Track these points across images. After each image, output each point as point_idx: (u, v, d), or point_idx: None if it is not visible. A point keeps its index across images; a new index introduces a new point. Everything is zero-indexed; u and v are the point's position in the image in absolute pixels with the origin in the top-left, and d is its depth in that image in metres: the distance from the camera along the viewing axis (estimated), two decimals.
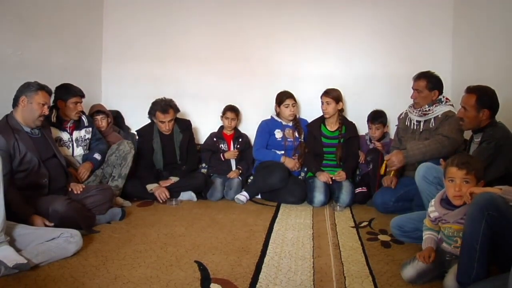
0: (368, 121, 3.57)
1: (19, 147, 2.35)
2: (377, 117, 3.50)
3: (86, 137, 3.09)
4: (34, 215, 2.23)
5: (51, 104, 2.85)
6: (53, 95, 2.86)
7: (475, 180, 1.76)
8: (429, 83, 2.86)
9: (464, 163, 1.76)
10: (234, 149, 3.71)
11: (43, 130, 2.60)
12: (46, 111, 2.51)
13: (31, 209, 2.25)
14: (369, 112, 3.58)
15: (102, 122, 3.38)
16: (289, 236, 2.46)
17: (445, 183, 1.85)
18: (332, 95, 3.41)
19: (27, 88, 2.46)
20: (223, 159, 3.65)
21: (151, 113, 3.37)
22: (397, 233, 2.35)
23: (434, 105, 2.87)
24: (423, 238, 1.97)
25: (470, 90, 2.30)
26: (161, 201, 3.16)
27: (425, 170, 2.35)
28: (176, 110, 3.41)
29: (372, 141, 3.52)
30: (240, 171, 3.61)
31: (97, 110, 3.43)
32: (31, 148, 2.41)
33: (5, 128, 2.38)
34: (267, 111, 3.73)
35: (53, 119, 2.89)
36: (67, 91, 2.90)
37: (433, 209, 1.91)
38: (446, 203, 1.86)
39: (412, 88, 2.95)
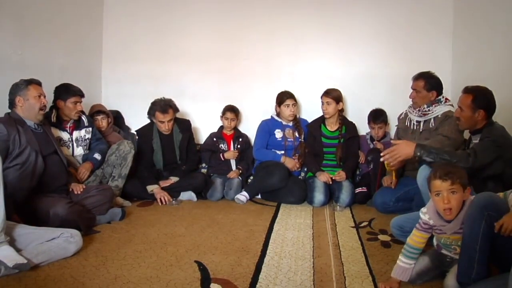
0: (369, 121, 3.56)
1: (20, 140, 2.33)
2: (378, 116, 3.50)
3: (86, 137, 3.09)
4: (14, 215, 2.21)
5: (51, 104, 2.86)
6: (52, 95, 2.88)
7: (461, 189, 1.67)
8: (427, 84, 2.87)
9: (447, 174, 1.67)
10: (234, 149, 3.71)
11: (45, 127, 2.61)
12: (44, 101, 2.53)
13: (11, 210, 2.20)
14: (368, 113, 3.58)
15: (102, 122, 3.38)
16: (289, 236, 2.46)
17: (431, 197, 1.75)
18: (333, 95, 3.41)
19: (17, 88, 2.47)
20: (222, 159, 3.65)
21: (151, 113, 3.37)
22: (397, 233, 2.35)
23: (433, 105, 2.87)
24: (397, 263, 1.79)
25: (467, 90, 2.31)
26: (161, 204, 3.15)
27: (427, 172, 2.34)
28: (176, 110, 3.41)
29: (375, 141, 3.50)
30: (240, 171, 3.61)
31: (97, 110, 3.43)
32: (32, 141, 2.39)
33: (8, 120, 2.38)
34: (267, 111, 3.73)
35: (53, 119, 2.89)
36: (66, 91, 2.90)
37: (428, 217, 1.78)
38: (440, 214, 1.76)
39: (411, 87, 2.96)
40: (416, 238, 1.80)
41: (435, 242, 1.89)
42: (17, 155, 2.32)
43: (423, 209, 1.83)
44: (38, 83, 2.55)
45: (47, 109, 2.65)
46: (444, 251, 1.84)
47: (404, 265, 1.77)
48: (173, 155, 3.45)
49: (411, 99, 2.98)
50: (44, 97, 2.55)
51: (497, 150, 2.17)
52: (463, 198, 1.68)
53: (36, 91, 2.49)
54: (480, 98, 2.25)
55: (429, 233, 1.81)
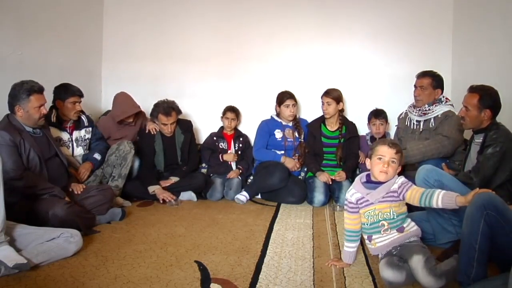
0: (370, 119, 3.56)
1: (24, 145, 2.35)
2: (380, 113, 3.51)
3: (86, 137, 3.09)
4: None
5: (51, 104, 2.86)
6: (52, 95, 2.88)
7: (399, 162, 1.87)
8: (434, 81, 2.87)
9: (395, 144, 1.89)
10: (234, 148, 3.70)
11: (44, 130, 2.60)
12: (44, 111, 2.48)
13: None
14: (368, 112, 3.58)
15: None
16: (289, 236, 2.46)
17: (371, 162, 1.90)
18: (333, 96, 3.41)
19: (18, 97, 2.38)
20: (221, 160, 3.65)
21: (153, 115, 3.35)
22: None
23: (434, 105, 2.87)
24: (343, 249, 2.01)
25: (473, 89, 2.29)
26: (161, 201, 3.15)
27: (426, 173, 2.32)
28: (178, 112, 3.40)
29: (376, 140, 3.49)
30: (240, 171, 3.61)
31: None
32: (34, 146, 2.41)
33: (9, 126, 2.37)
34: (267, 111, 3.73)
35: (53, 119, 2.89)
36: (65, 91, 2.90)
37: (354, 191, 1.94)
38: (367, 182, 1.93)
39: (415, 85, 2.95)
40: (349, 221, 1.97)
41: (365, 236, 1.95)
42: (25, 159, 2.33)
43: (349, 189, 1.99)
44: (40, 91, 2.45)
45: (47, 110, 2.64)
46: (374, 240, 1.88)
47: (349, 249, 1.97)
48: (174, 156, 3.44)
49: (415, 97, 2.96)
50: (45, 105, 2.49)
51: (503, 157, 2.14)
52: (396, 172, 1.88)
53: (37, 102, 2.41)
54: (487, 97, 2.23)
55: (357, 212, 1.94)
